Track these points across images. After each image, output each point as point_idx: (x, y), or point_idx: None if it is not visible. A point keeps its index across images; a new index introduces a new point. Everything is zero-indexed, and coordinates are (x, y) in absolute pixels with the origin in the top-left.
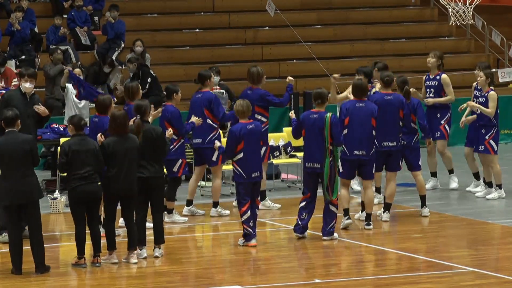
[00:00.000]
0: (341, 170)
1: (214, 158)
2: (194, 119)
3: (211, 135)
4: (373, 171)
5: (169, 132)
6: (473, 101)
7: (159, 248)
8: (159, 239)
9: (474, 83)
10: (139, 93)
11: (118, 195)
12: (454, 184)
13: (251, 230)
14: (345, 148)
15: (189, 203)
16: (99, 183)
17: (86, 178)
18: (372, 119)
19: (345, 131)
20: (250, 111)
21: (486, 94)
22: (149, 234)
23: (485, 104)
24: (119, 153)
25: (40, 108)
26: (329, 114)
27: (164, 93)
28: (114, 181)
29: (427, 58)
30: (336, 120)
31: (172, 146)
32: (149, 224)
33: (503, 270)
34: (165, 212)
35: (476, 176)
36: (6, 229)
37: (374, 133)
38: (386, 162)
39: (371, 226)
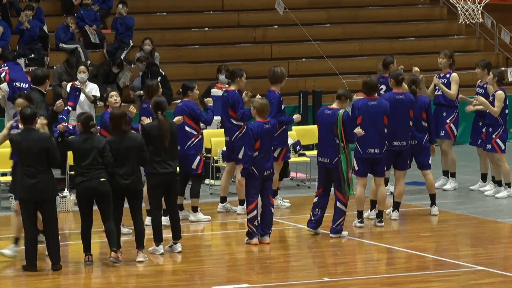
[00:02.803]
0: (356, 168)
1: (240, 156)
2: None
3: (237, 133)
4: (385, 169)
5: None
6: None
7: (175, 244)
8: (178, 234)
9: (478, 81)
10: (159, 91)
11: (118, 193)
12: (448, 186)
13: (254, 229)
14: (358, 147)
15: (223, 199)
16: (102, 180)
17: (87, 174)
18: (385, 117)
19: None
20: (268, 109)
21: (494, 93)
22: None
23: (491, 103)
24: (115, 151)
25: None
26: (341, 111)
27: (180, 90)
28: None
29: (438, 58)
30: (348, 117)
31: (190, 142)
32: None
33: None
34: (190, 210)
35: (484, 177)
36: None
37: (385, 130)
38: (395, 161)
39: (383, 223)
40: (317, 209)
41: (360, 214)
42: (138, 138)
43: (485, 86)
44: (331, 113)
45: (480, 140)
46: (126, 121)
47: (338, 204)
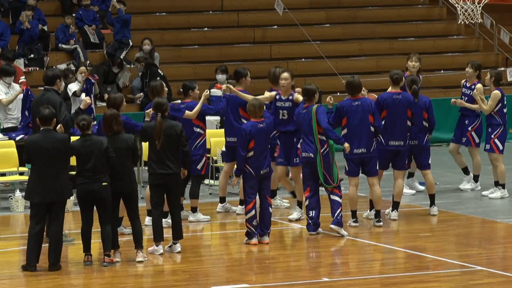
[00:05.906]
0: (346, 168)
1: None
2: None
3: None
4: (377, 167)
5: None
6: (462, 98)
7: (174, 244)
8: (178, 235)
9: (463, 81)
10: (163, 91)
11: (112, 194)
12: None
13: (253, 229)
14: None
15: (222, 200)
16: (104, 184)
17: (89, 177)
18: (369, 115)
19: (344, 130)
20: (262, 110)
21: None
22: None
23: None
24: None
25: None
26: (314, 107)
27: (181, 90)
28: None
29: (408, 61)
30: (320, 109)
31: (198, 142)
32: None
33: (511, 268)
34: (190, 211)
35: (466, 171)
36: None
37: (372, 129)
38: (393, 161)
39: (381, 223)
40: (311, 212)
41: (354, 214)
42: (130, 138)
43: (472, 87)
44: (306, 111)
45: (465, 139)
46: (118, 121)
47: (331, 196)
